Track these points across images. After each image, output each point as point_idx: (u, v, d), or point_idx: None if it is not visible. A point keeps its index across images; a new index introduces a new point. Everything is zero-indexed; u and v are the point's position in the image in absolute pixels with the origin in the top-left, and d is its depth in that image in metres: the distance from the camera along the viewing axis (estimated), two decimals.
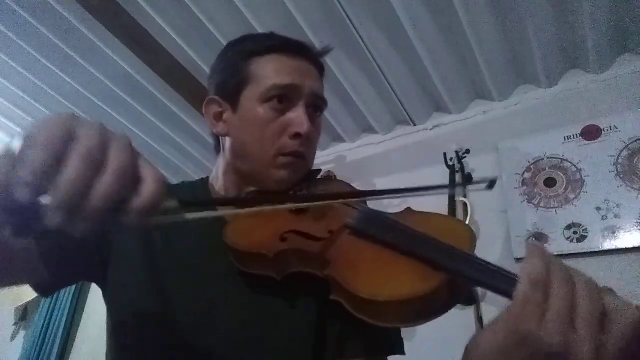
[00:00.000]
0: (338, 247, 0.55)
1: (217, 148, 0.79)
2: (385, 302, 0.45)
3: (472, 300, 1.50)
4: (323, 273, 0.52)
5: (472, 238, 0.52)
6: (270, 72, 0.69)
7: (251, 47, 0.72)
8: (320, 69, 0.76)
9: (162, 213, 0.34)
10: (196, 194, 0.77)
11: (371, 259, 0.53)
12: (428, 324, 0.47)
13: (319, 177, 0.77)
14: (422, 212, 0.62)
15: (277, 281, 0.57)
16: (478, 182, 0.62)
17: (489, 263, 0.44)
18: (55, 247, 0.60)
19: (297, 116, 0.67)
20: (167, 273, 0.64)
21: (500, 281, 0.42)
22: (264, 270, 0.57)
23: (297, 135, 0.67)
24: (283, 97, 0.68)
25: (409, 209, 0.64)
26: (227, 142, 0.73)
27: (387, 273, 0.50)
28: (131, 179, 0.32)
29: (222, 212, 0.63)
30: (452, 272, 0.45)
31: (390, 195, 0.64)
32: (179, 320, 0.61)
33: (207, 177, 0.81)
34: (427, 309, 0.45)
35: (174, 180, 2.73)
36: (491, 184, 0.58)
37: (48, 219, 0.29)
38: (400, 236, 0.53)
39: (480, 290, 1.49)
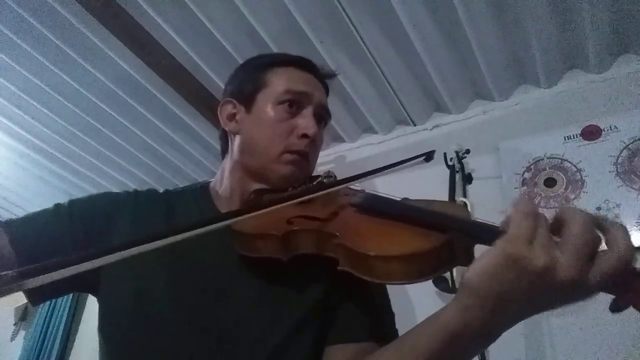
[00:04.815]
0: (344, 221, 0.60)
1: (224, 150, 0.83)
2: (392, 258, 0.49)
3: None
4: (332, 243, 0.55)
5: (467, 211, 0.55)
6: (285, 79, 0.77)
7: (269, 60, 0.82)
8: (326, 87, 0.84)
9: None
10: (197, 199, 0.79)
11: (376, 227, 0.57)
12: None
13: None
14: (420, 199, 0.65)
15: (282, 265, 0.59)
16: (417, 157, 0.69)
17: (484, 221, 0.48)
18: (34, 258, 0.58)
19: (306, 119, 0.74)
20: (174, 262, 0.66)
21: (497, 234, 0.44)
22: (271, 252, 0.60)
23: (304, 136, 0.73)
24: (294, 102, 0.75)
25: (406, 198, 0.67)
26: (237, 140, 0.78)
27: (393, 235, 0.54)
28: None
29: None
30: (452, 230, 0.49)
31: (374, 176, 0.69)
32: (185, 306, 0.62)
33: (208, 184, 0.83)
34: (428, 265, 0.48)
35: (174, 180, 2.73)
36: (428, 157, 0.69)
37: None
38: (401, 207, 0.58)
39: None
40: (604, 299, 0.43)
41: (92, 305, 2.82)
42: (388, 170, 0.67)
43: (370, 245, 0.51)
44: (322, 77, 0.83)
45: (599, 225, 0.41)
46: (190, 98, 2.07)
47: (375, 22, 1.61)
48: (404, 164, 0.66)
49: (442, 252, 0.49)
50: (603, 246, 0.40)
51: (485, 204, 1.71)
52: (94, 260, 0.37)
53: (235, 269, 0.65)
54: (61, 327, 2.75)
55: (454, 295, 0.45)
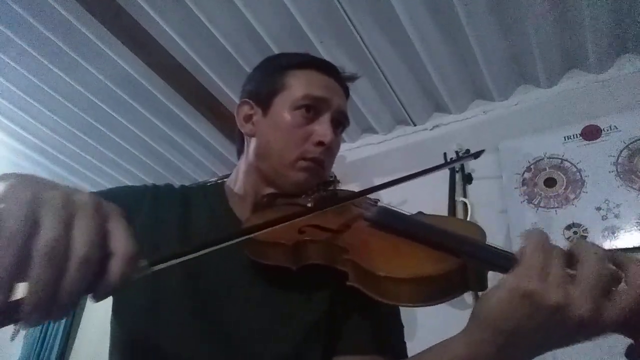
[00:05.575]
0: (357, 236, 0.58)
1: (240, 150, 0.83)
2: (402, 280, 0.48)
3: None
4: (342, 257, 0.54)
5: (483, 233, 0.54)
6: (303, 83, 0.74)
7: (288, 60, 0.79)
8: (346, 91, 0.81)
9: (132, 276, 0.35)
10: (212, 197, 0.78)
11: (389, 244, 0.56)
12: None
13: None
14: (434, 215, 0.64)
15: (291, 274, 0.59)
16: (467, 157, 0.69)
17: (499, 247, 0.47)
18: None
19: (323, 126, 0.72)
20: (185, 263, 0.65)
21: (513, 262, 0.42)
22: (280, 261, 0.59)
23: (320, 144, 0.71)
24: (311, 108, 0.73)
25: (420, 212, 0.66)
26: (252, 142, 0.77)
27: (405, 256, 0.53)
28: (99, 256, 0.33)
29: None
30: (466, 254, 0.47)
31: (393, 185, 0.67)
32: (190, 307, 0.62)
33: (223, 182, 0.83)
34: (439, 290, 0.47)
35: (174, 180, 2.73)
36: (476, 155, 0.68)
37: (24, 321, 0.30)
38: (415, 226, 0.56)
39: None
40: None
41: (92, 305, 2.82)
42: (431, 171, 0.66)
43: (380, 265, 0.49)
44: (343, 80, 0.81)
45: (615, 260, 0.39)
46: (190, 98, 2.07)
47: (375, 22, 1.61)
48: (451, 164, 0.65)
49: (455, 277, 0.47)
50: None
51: (485, 204, 1.72)
52: (196, 253, 0.42)
53: (242, 271, 0.65)
54: (61, 327, 2.75)
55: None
